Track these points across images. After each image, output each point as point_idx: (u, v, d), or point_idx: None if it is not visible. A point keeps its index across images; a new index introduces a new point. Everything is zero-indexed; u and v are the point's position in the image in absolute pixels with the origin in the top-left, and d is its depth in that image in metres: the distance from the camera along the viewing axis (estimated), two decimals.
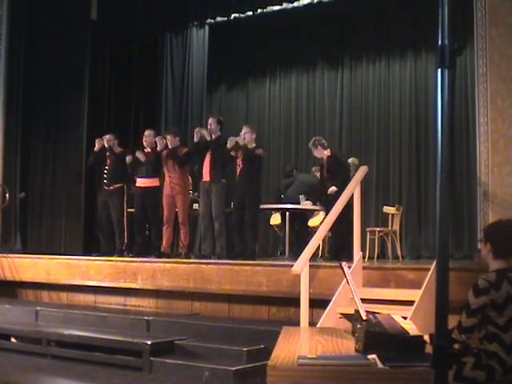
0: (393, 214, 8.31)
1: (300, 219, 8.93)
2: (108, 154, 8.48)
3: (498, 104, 6.04)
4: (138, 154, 8.21)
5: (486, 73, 6.12)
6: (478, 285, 3.17)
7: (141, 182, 8.27)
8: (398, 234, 8.25)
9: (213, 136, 7.90)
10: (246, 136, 7.78)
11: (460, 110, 9.25)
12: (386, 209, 8.53)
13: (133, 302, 7.18)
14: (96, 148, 8.53)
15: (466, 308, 3.17)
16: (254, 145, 7.80)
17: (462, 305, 3.20)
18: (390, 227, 8.25)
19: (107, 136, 8.56)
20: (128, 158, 8.46)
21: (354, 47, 10.66)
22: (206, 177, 7.78)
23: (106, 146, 8.49)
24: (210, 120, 8.04)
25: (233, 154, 7.78)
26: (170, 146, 8.13)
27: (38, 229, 9.58)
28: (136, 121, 10.75)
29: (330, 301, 5.01)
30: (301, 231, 8.88)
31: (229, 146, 7.66)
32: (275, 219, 9.33)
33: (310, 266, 4.99)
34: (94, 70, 10.09)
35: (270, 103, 11.51)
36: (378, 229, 8.28)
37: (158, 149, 8.19)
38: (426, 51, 9.96)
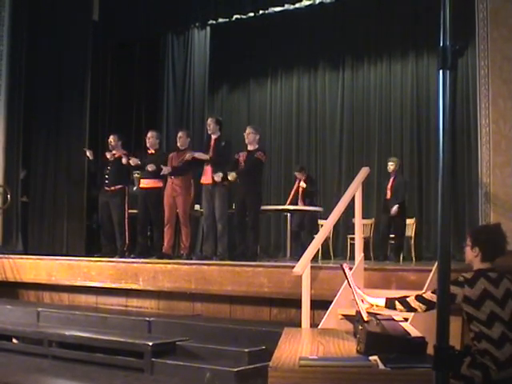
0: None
1: None
2: (110, 155, 8.48)
3: (500, 105, 6.03)
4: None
5: (488, 74, 6.11)
6: (456, 278, 3.30)
7: (144, 183, 8.27)
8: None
9: (212, 136, 7.89)
10: (249, 136, 7.73)
11: (462, 112, 9.25)
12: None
13: (134, 302, 7.17)
14: (91, 157, 8.61)
15: None
16: (257, 146, 7.75)
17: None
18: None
19: (111, 137, 8.57)
20: (124, 161, 8.23)
21: (356, 48, 10.68)
22: (208, 179, 7.76)
23: (110, 147, 8.52)
24: (209, 120, 8.02)
25: (237, 156, 7.77)
26: (179, 146, 8.11)
27: (40, 230, 9.56)
28: (138, 122, 10.75)
29: (331, 302, 5.00)
30: None
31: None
32: None
33: (311, 267, 4.99)
34: (96, 71, 10.07)
35: (272, 104, 11.52)
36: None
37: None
38: (427, 52, 9.97)
